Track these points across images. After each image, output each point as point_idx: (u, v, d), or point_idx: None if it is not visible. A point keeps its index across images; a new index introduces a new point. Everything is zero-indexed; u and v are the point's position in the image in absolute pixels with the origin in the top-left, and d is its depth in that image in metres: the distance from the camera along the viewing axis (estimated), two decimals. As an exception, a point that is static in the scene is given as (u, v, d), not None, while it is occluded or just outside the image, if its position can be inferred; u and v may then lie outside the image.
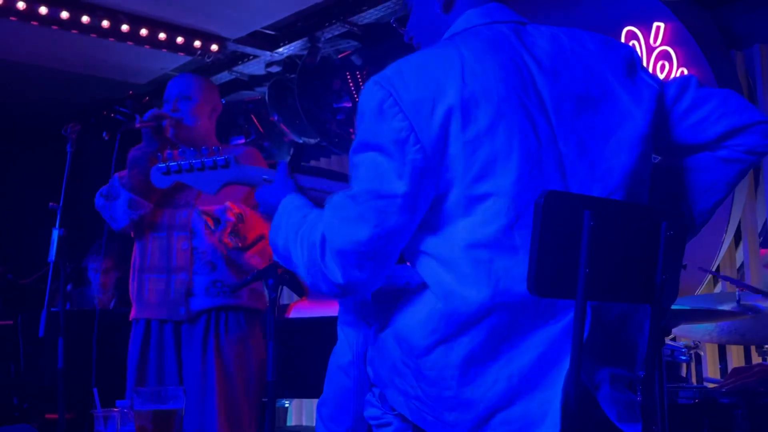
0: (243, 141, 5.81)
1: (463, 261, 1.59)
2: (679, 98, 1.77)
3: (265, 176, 2.04)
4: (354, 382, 2.00)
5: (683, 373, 3.03)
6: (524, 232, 1.57)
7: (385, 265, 1.66)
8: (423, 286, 1.71)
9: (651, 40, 4.07)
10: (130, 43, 4.98)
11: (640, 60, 1.82)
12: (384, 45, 5.07)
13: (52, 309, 3.06)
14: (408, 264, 1.77)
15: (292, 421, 5.27)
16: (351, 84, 5.26)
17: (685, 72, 3.92)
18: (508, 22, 1.75)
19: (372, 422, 1.96)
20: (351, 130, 5.34)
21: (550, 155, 1.61)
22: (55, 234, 3.02)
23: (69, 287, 4.37)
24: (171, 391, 1.78)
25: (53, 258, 3.00)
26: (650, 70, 4.02)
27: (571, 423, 1.50)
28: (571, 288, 1.50)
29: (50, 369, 3.19)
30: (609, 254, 1.54)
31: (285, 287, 2.57)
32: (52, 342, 3.05)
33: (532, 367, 1.58)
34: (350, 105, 5.33)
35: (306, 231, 1.71)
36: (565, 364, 1.56)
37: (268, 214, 1.91)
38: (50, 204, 3.07)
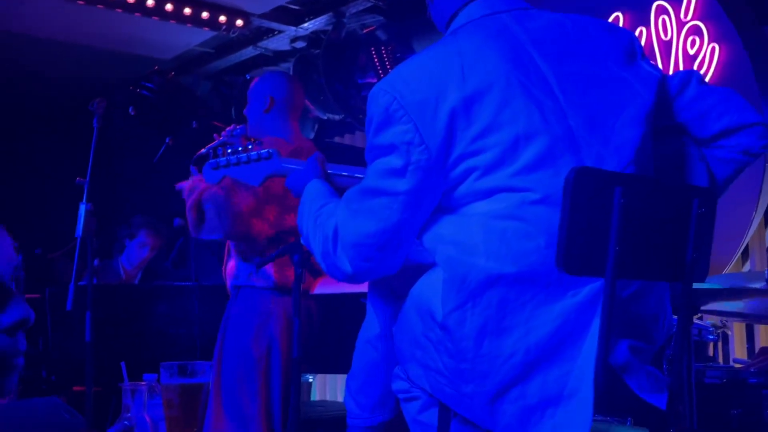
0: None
1: (476, 230, 1.63)
2: (681, 92, 1.80)
3: (302, 168, 2.13)
4: (382, 356, 2.02)
5: (710, 352, 3.01)
6: (537, 206, 1.59)
7: (394, 255, 1.74)
8: (439, 258, 1.73)
9: (681, 15, 4.00)
10: (156, 18, 4.98)
11: (642, 48, 1.85)
12: (409, 20, 5.03)
13: (80, 283, 3.07)
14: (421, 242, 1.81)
15: (316, 396, 5.30)
16: (376, 59, 5.23)
17: (716, 48, 3.85)
18: (510, 11, 1.78)
19: (400, 395, 1.97)
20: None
21: (561, 133, 1.63)
22: (83, 209, 3.05)
23: (96, 262, 4.40)
24: (198, 365, 1.79)
25: (81, 233, 3.02)
26: (680, 45, 3.99)
27: (601, 398, 1.50)
28: (601, 266, 1.48)
29: (78, 342, 3.22)
30: (639, 232, 1.53)
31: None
32: (80, 316, 3.08)
33: (549, 340, 1.59)
34: (375, 80, 5.30)
35: (322, 221, 1.80)
36: (582, 338, 1.57)
37: (295, 196, 2.03)
38: (77, 179, 3.10)
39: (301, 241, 1.95)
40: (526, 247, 1.58)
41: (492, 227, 1.61)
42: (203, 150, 3.11)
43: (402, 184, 1.67)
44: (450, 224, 1.69)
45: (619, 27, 1.87)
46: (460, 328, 1.62)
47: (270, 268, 2.96)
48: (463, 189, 1.66)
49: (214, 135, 3.12)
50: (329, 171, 2.06)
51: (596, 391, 1.53)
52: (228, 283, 3.08)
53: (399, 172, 1.67)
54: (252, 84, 3.21)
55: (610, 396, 1.55)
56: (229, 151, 2.28)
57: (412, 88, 1.67)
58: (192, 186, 3.00)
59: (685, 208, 1.59)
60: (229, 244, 3.11)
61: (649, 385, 1.62)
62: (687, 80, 1.82)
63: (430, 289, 1.72)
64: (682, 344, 1.65)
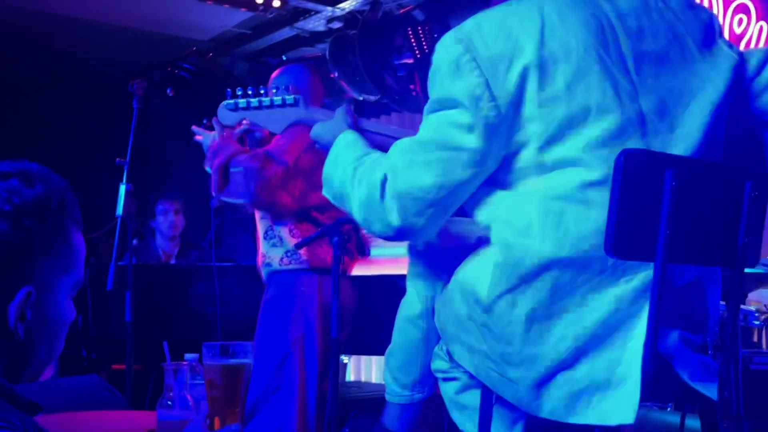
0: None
1: (533, 211, 1.58)
2: (760, 71, 1.74)
3: (330, 119, 2.00)
4: (423, 334, 2.01)
5: (755, 338, 2.95)
6: (601, 189, 1.54)
7: (443, 216, 1.67)
8: (490, 239, 1.70)
9: (728, -7, 3.92)
10: (194, -1, 4.99)
11: (721, 28, 1.79)
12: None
13: (120, 263, 3.10)
14: (470, 215, 1.75)
15: (351, 376, 5.32)
16: (413, 40, 5.18)
17: (764, 27, 3.76)
18: None
19: (438, 375, 1.97)
20: (412, 87, 5.28)
21: (632, 114, 1.58)
22: (123, 189, 3.07)
23: (135, 242, 4.45)
24: (240, 346, 1.78)
25: (121, 213, 3.04)
26: (727, 24, 3.90)
27: (649, 385, 1.47)
28: (650, 250, 1.46)
29: (117, 321, 3.25)
30: (690, 215, 1.49)
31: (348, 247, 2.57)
32: (120, 295, 3.11)
33: (600, 326, 1.56)
34: (411, 61, 5.26)
35: (367, 170, 1.71)
36: (633, 324, 1.55)
37: (326, 150, 1.89)
38: (117, 159, 3.11)
39: (323, 192, 1.84)
40: (584, 231, 1.54)
41: (549, 209, 1.57)
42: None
43: (469, 141, 1.59)
44: (506, 202, 1.64)
45: (700, 4, 1.79)
46: (510, 312, 1.60)
47: (302, 250, 2.95)
48: (523, 158, 1.60)
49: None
50: (363, 127, 1.93)
51: (644, 378, 1.50)
52: (262, 271, 3.08)
53: (466, 128, 1.59)
54: (272, 76, 3.16)
55: (659, 384, 1.52)
56: (250, 92, 2.10)
57: (487, 41, 1.59)
58: (220, 145, 2.89)
59: (738, 192, 1.55)
60: (257, 233, 3.10)
61: (701, 375, 1.59)
62: (765, 60, 1.75)
63: (476, 271, 1.69)
64: (732, 330, 1.62)
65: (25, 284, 1.00)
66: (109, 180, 3.33)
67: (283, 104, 2.05)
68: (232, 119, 2.12)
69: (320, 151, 2.89)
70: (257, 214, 3.08)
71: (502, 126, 1.58)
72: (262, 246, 3.05)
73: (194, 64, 5.34)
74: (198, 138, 3.01)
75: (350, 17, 5.40)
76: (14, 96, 6.31)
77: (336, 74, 5.50)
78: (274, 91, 2.07)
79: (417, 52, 5.12)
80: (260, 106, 2.06)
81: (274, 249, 3.00)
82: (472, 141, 1.59)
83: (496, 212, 1.65)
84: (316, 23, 5.51)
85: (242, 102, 2.07)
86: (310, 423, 2.92)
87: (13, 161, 1.07)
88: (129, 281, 3.07)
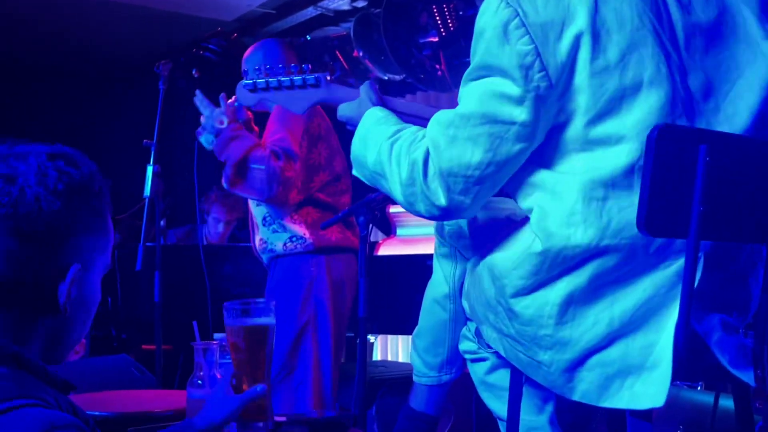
0: (328, 77, 5.78)
1: (575, 196, 1.52)
2: None
3: (356, 98, 1.94)
4: (450, 315, 2.00)
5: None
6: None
7: (490, 194, 1.61)
8: (525, 222, 1.67)
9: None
10: (217, -21, 4.98)
11: None
12: (472, -24, 4.93)
13: (148, 244, 3.12)
14: (512, 197, 1.71)
15: (378, 355, 5.34)
16: (438, 18, 5.14)
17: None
18: None
19: (467, 356, 1.96)
20: (437, 66, 5.24)
21: (681, 92, 1.52)
22: (150, 170, 3.08)
23: (163, 223, 4.47)
24: (262, 305, 1.70)
25: (149, 194, 3.06)
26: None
27: (682, 368, 1.45)
28: (684, 227, 1.43)
29: (146, 302, 3.28)
30: (725, 191, 1.47)
31: (374, 226, 2.57)
32: (149, 276, 3.13)
33: (636, 310, 1.53)
34: (437, 39, 5.22)
35: (404, 147, 1.64)
36: (671, 309, 1.51)
37: (353, 128, 1.83)
38: (144, 141, 3.12)
39: (354, 172, 1.78)
40: (628, 218, 1.49)
41: (593, 195, 1.51)
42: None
43: (518, 113, 1.51)
44: (547, 184, 1.57)
45: None
46: (545, 297, 1.57)
47: (304, 232, 2.95)
48: (569, 133, 1.53)
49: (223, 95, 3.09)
50: (392, 107, 1.85)
51: (676, 357, 1.47)
52: (262, 256, 3.08)
53: (515, 100, 1.51)
54: (245, 56, 3.13)
55: (692, 363, 1.50)
56: (268, 70, 2.01)
57: (537, 6, 1.49)
58: (232, 135, 2.86)
59: (773, 167, 1.52)
60: (252, 218, 3.10)
61: (741, 361, 1.55)
62: None
63: (508, 254, 1.65)
64: (765, 309, 1.59)
65: (74, 262, 1.04)
66: (136, 162, 3.35)
67: (304, 84, 1.98)
68: (251, 100, 2.05)
69: (311, 132, 2.86)
70: (250, 202, 3.07)
71: (552, 97, 1.51)
72: (261, 232, 3.04)
73: (219, 45, 5.34)
74: (196, 102, 2.95)
75: (374, -4, 5.37)
76: (41, 80, 6.35)
77: (360, 53, 5.47)
78: (293, 70, 2.01)
79: (442, 30, 5.07)
80: (280, 87, 1.99)
81: (275, 235, 3.00)
82: (522, 114, 1.51)
83: (537, 197, 1.59)
84: (340, 2, 5.48)
85: (261, 82, 2.00)
86: (327, 401, 2.93)
87: (45, 144, 1.09)
88: (157, 261, 3.09)
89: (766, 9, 1.63)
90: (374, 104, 1.83)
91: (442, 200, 1.58)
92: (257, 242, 3.07)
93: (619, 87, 1.49)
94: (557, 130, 1.55)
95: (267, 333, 1.72)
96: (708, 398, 2.49)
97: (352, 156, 1.78)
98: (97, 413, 2.00)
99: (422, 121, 1.74)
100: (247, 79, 2.03)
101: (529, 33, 1.48)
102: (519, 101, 1.50)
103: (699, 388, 2.72)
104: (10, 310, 1.01)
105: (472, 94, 1.56)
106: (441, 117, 1.60)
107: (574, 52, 1.49)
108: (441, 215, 1.62)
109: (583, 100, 1.50)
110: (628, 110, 1.49)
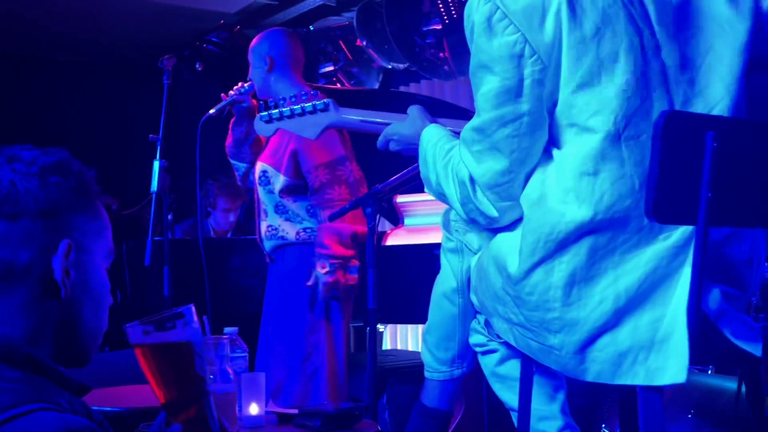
0: (332, 68, 5.77)
1: (570, 173, 1.55)
2: None
3: (364, 118, 2.06)
4: (459, 310, 2.00)
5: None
6: (631, 144, 1.52)
7: (522, 186, 1.66)
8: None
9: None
10: (219, -29, 4.97)
11: None
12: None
13: (156, 238, 3.12)
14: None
15: (387, 345, 5.35)
16: (441, 6, 5.12)
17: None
18: None
19: (477, 349, 1.96)
20: (441, 55, 5.23)
21: (656, 65, 1.55)
22: (156, 165, 3.08)
23: (170, 217, 4.47)
24: (176, 320, 1.20)
25: (156, 189, 3.06)
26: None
27: (696, 347, 1.45)
28: (692, 214, 1.43)
29: (155, 296, 3.29)
30: (732, 177, 1.47)
31: (381, 216, 2.57)
32: (158, 270, 3.14)
33: (641, 284, 1.54)
34: (440, 27, 5.21)
35: (453, 167, 1.72)
36: (674, 281, 1.52)
37: (403, 148, 1.92)
38: (150, 136, 3.12)
39: (426, 190, 1.87)
40: (620, 191, 1.52)
41: (584, 170, 1.54)
42: (212, 111, 3.10)
43: (521, 105, 1.56)
44: (544, 162, 1.62)
45: None
46: (547, 279, 1.58)
47: (316, 222, 2.97)
48: (558, 108, 1.57)
49: (222, 95, 3.12)
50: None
51: (691, 339, 1.48)
52: (267, 243, 3.09)
53: (515, 92, 1.56)
54: (251, 46, 3.16)
55: (704, 343, 1.50)
56: (281, 102, 2.17)
57: None
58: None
59: (781, 151, 1.51)
60: (260, 204, 3.11)
61: (744, 333, 1.57)
62: None
63: (509, 241, 1.68)
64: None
65: (64, 237, 1.04)
66: (142, 157, 3.35)
67: (314, 110, 2.11)
68: (268, 131, 2.21)
69: (347, 149, 2.93)
70: (260, 189, 3.08)
71: (547, 77, 1.55)
72: (270, 218, 3.05)
73: (222, 37, 5.33)
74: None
75: (377, -16, 5.35)
76: (45, 75, 6.36)
77: (364, 43, 5.46)
78: (303, 97, 2.13)
79: (445, 18, 5.06)
80: (292, 115, 2.13)
81: (288, 223, 3.01)
82: (526, 104, 1.56)
83: (537, 177, 1.63)
84: (342, -8, 5.47)
85: (275, 113, 2.16)
86: (341, 388, 2.96)
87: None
88: (166, 256, 3.10)
89: None
90: (429, 122, 1.90)
91: (493, 211, 1.68)
92: (264, 229, 3.09)
93: (596, 59, 1.52)
94: (552, 106, 1.58)
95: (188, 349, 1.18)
96: (719, 382, 2.49)
97: (421, 176, 1.86)
98: (109, 408, 2.01)
99: None
100: (262, 112, 2.19)
101: (513, 22, 1.53)
102: (518, 92, 1.55)
103: (710, 371, 2.72)
104: (11, 296, 1.01)
105: (478, 103, 1.62)
106: (464, 135, 1.68)
107: (558, 30, 1.52)
108: (498, 223, 1.72)
109: (565, 73, 1.54)
110: (608, 81, 1.52)
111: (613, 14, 1.53)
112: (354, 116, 2.07)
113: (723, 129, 1.43)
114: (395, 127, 1.94)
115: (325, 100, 2.11)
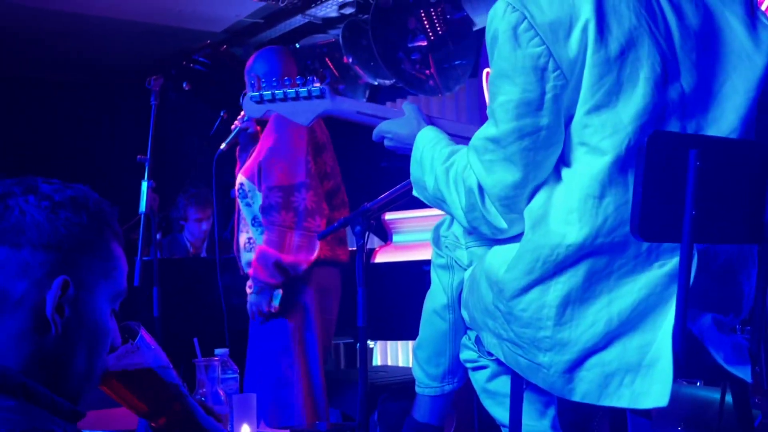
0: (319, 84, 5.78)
1: (576, 194, 1.55)
2: None
3: (360, 109, 2.01)
4: (450, 326, 2.00)
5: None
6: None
7: (529, 200, 1.64)
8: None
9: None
10: (205, -10, 4.98)
11: (758, 2, 1.73)
12: (459, -20, 4.94)
13: (145, 258, 3.12)
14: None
15: (378, 360, 5.34)
16: (426, 22, 5.15)
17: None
18: None
19: (468, 365, 1.96)
20: (427, 72, 5.25)
21: (674, 91, 1.55)
22: (144, 186, 3.09)
23: (159, 236, 4.47)
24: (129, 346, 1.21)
25: (144, 209, 3.06)
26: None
27: (680, 368, 1.47)
28: (677, 231, 1.45)
29: (145, 317, 3.28)
30: (716, 194, 1.49)
31: (370, 234, 2.58)
32: (147, 291, 3.13)
33: (633, 309, 1.55)
34: (425, 43, 5.24)
35: (459, 173, 1.68)
36: (666, 309, 1.53)
37: (398, 146, 1.89)
38: (138, 157, 3.13)
39: (415, 193, 1.83)
40: (623, 216, 1.51)
41: (590, 193, 1.53)
42: (223, 146, 3.12)
43: (541, 119, 1.54)
44: (552, 181, 1.61)
45: None
46: (541, 298, 1.58)
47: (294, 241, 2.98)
48: (573, 125, 1.55)
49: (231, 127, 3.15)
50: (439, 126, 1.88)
51: (675, 358, 1.49)
52: (244, 255, 3.10)
53: (536, 105, 1.54)
54: (247, 67, 3.19)
55: (690, 365, 1.51)
56: (274, 83, 2.05)
57: (542, 7, 1.52)
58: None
59: (762, 167, 1.54)
60: (239, 217, 3.13)
61: (736, 358, 1.58)
62: None
63: (502, 257, 1.68)
64: (761, 306, 1.61)
65: (63, 274, 1.02)
66: (130, 177, 3.35)
67: (309, 96, 2.01)
68: (258, 111, 2.09)
69: (316, 141, 2.92)
70: (239, 201, 3.10)
71: (567, 92, 1.53)
72: (249, 231, 3.06)
73: (209, 56, 5.33)
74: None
75: (362, 2, 5.37)
76: (33, 96, 6.34)
77: (350, 59, 5.48)
78: (299, 82, 2.03)
79: (430, 34, 5.08)
80: (285, 98, 2.02)
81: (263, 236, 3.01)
82: (545, 118, 1.54)
83: (542, 194, 1.62)
84: (328, 9, 5.48)
85: (267, 94, 2.04)
86: (320, 407, 2.95)
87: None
88: (155, 276, 3.10)
89: (753, 16, 1.66)
90: (425, 123, 1.87)
91: (502, 223, 1.66)
92: (243, 241, 3.09)
93: (616, 81, 1.51)
94: (566, 122, 1.57)
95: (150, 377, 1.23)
96: (707, 394, 2.51)
97: (411, 178, 1.82)
98: (101, 432, 2.01)
99: (467, 141, 1.77)
100: (253, 92, 2.06)
101: (539, 34, 1.50)
102: (539, 106, 1.54)
103: (698, 384, 2.73)
104: (4, 325, 1.00)
105: (495, 112, 1.59)
106: (476, 143, 1.64)
107: (584, 46, 1.51)
108: (504, 234, 1.69)
109: (584, 91, 1.53)
110: (625, 104, 1.51)
111: (638, 36, 1.52)
112: (349, 107, 2.00)
113: (706, 147, 1.45)
114: (390, 125, 1.91)
115: (321, 86, 2.02)
